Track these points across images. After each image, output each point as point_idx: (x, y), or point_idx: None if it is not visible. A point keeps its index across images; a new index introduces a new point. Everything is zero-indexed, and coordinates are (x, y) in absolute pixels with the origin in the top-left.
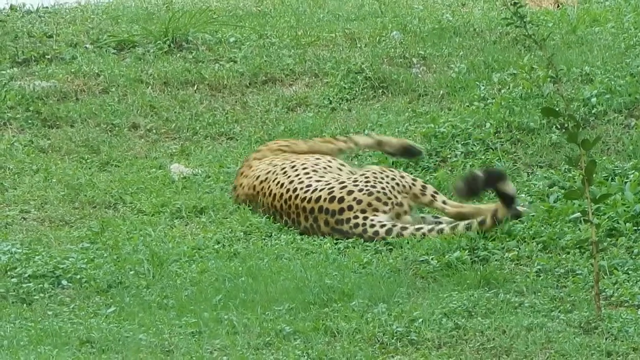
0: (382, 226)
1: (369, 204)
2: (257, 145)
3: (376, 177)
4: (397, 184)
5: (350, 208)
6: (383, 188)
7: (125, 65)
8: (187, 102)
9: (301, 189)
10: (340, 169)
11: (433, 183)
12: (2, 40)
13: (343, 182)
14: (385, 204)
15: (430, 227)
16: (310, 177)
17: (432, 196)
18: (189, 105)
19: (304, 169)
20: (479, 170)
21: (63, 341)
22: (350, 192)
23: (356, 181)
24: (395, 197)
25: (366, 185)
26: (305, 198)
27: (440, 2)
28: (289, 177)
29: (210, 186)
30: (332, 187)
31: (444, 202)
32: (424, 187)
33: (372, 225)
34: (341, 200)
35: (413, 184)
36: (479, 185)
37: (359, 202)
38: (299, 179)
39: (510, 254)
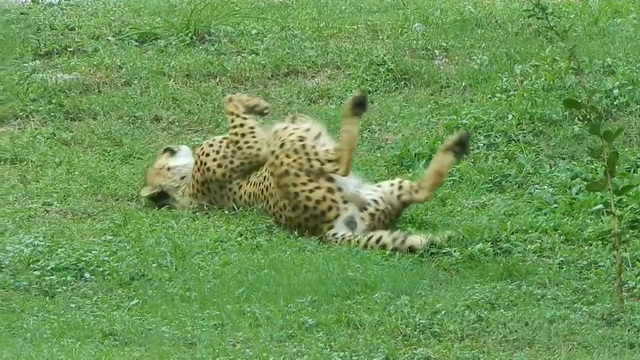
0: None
1: None
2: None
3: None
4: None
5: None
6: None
7: (148, 57)
8: (210, 95)
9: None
10: None
11: (455, 175)
12: (24, 33)
13: None
14: None
15: None
16: None
17: None
18: (211, 98)
19: None
20: None
21: (86, 334)
22: None
23: None
24: None
25: None
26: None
27: None
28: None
29: None
30: None
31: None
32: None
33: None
34: None
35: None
36: None
37: None
38: None
39: (532, 245)
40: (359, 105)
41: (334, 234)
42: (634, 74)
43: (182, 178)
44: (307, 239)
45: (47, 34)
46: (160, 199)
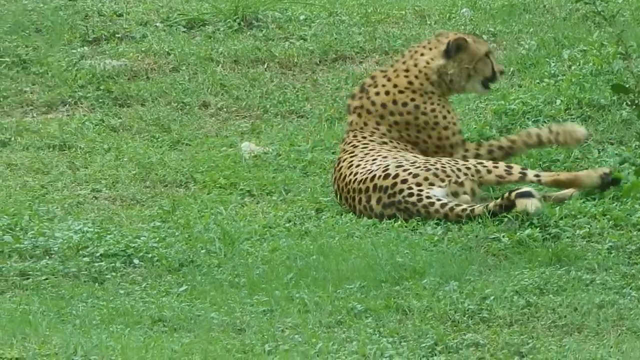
0: (438, 200)
1: (425, 178)
2: (329, 124)
3: (440, 160)
4: (464, 167)
5: (404, 181)
6: (443, 165)
7: (195, 43)
8: (257, 81)
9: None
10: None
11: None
12: (72, 19)
13: (400, 162)
14: (442, 180)
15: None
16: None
17: (521, 173)
18: (259, 84)
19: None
20: None
21: (135, 320)
22: (405, 169)
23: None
24: (457, 176)
25: (424, 163)
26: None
27: None
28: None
29: (280, 164)
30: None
31: (536, 176)
32: (509, 167)
33: (428, 197)
34: (395, 176)
35: (494, 167)
36: None
37: (415, 175)
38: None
39: (581, 231)
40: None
41: None
42: None
43: None
44: (355, 225)
45: (95, 20)
46: None
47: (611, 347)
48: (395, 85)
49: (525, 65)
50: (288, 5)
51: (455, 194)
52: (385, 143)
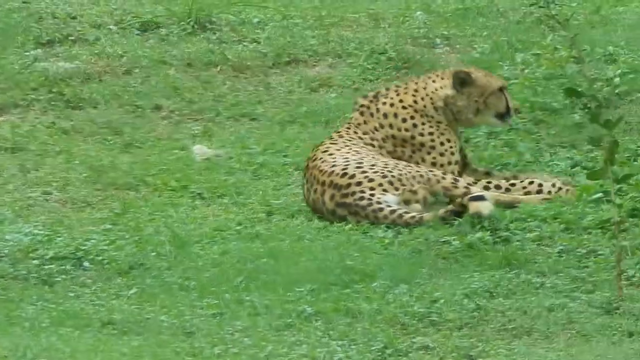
0: (388, 206)
1: (380, 184)
2: (281, 127)
3: (398, 165)
4: (418, 174)
5: (359, 184)
6: (400, 173)
7: (149, 46)
8: (210, 83)
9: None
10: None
11: None
12: (26, 21)
13: (360, 163)
14: (397, 188)
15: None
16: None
17: (466, 188)
18: (212, 86)
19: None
20: None
21: (84, 323)
22: (363, 172)
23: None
24: (412, 184)
25: (383, 168)
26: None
27: None
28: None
29: (232, 167)
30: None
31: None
32: (456, 179)
33: (378, 203)
34: (352, 176)
35: (442, 178)
36: None
37: (370, 180)
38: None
39: (532, 234)
40: None
41: None
42: (636, 62)
43: None
44: (306, 228)
45: (49, 23)
46: None
47: (560, 350)
48: (401, 101)
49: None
50: (242, 8)
51: (407, 202)
52: (373, 146)
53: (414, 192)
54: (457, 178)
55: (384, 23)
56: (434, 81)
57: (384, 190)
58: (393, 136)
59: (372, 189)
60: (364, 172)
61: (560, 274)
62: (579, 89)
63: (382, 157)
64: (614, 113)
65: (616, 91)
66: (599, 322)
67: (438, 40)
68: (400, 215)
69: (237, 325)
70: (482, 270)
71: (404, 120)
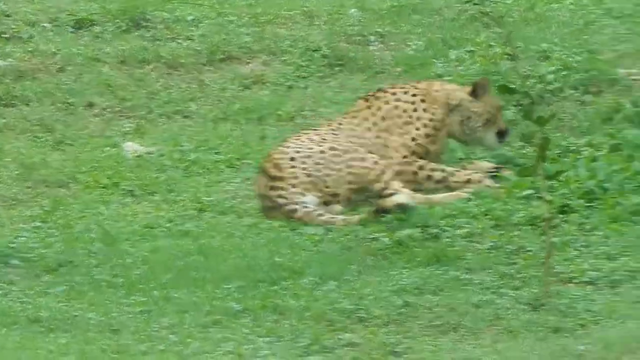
0: (305, 207)
1: (302, 182)
2: (214, 124)
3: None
4: (347, 173)
5: (283, 179)
6: (327, 174)
7: (83, 44)
8: (144, 81)
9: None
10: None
11: None
12: None
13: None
14: (320, 190)
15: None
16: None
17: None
18: (145, 84)
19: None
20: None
21: (11, 320)
22: (293, 167)
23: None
24: (335, 186)
25: (314, 166)
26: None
27: None
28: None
29: (163, 164)
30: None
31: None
32: (387, 183)
33: (295, 203)
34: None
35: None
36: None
37: (295, 177)
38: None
39: (461, 231)
40: None
41: None
42: (569, 59)
43: None
44: (237, 225)
45: None
46: None
47: (487, 346)
48: (415, 87)
49: (412, 66)
50: (176, 6)
51: (327, 203)
52: (369, 129)
53: (335, 195)
54: (389, 183)
55: (319, 20)
56: (454, 88)
57: (305, 189)
58: (395, 107)
59: (294, 186)
60: (293, 167)
61: (489, 271)
62: (513, 86)
63: (339, 150)
64: (546, 110)
65: (549, 88)
66: (525, 319)
67: (372, 38)
68: (315, 217)
69: (164, 322)
70: (411, 267)
71: (412, 97)
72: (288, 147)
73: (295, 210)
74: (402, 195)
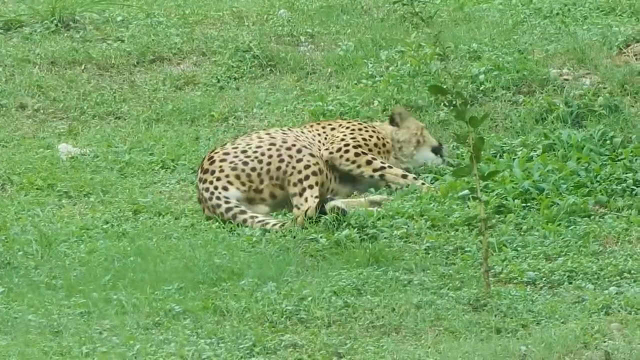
0: (227, 202)
1: (227, 175)
2: (146, 125)
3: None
4: (277, 170)
5: (212, 172)
6: (253, 168)
7: (12, 45)
8: (75, 82)
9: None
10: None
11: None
12: None
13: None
14: (243, 184)
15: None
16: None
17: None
18: (77, 85)
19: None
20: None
21: None
22: (222, 160)
23: (245, 151)
24: (260, 181)
25: (241, 160)
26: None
27: None
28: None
29: (98, 166)
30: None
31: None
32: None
33: (218, 198)
34: (212, 163)
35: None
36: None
37: (222, 170)
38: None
39: (399, 231)
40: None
41: None
42: (500, 59)
43: None
44: (174, 226)
45: None
46: None
47: (429, 347)
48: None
49: (342, 67)
50: (105, 7)
51: (251, 200)
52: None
53: (260, 191)
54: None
55: (248, 21)
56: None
57: (229, 182)
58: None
59: (218, 179)
60: (223, 160)
61: (428, 271)
62: (444, 86)
63: (277, 146)
64: (479, 110)
65: (481, 88)
66: (466, 319)
67: (302, 38)
68: (235, 216)
69: (105, 324)
70: (349, 268)
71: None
72: (234, 144)
73: (218, 206)
74: (337, 202)
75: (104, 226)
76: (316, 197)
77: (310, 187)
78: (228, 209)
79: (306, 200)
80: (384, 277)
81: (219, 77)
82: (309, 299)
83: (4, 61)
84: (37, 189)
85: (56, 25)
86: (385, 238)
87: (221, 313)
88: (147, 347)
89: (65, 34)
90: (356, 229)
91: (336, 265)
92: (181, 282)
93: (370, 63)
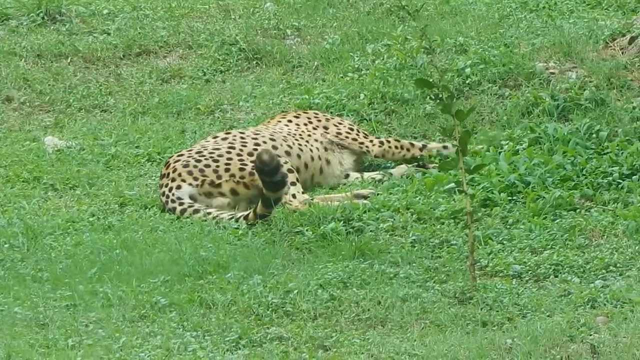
0: (181, 204)
1: (180, 174)
2: (133, 118)
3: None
4: (235, 166)
5: (170, 166)
6: (207, 165)
7: None
8: (61, 75)
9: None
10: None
11: None
12: None
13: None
14: (196, 179)
15: (230, 214)
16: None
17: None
18: (63, 78)
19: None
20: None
21: None
22: (179, 157)
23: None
24: (217, 177)
25: (195, 158)
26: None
27: None
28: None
29: (84, 158)
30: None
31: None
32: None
33: (173, 200)
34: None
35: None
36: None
37: (174, 170)
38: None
39: (385, 224)
40: None
41: None
42: (486, 52)
43: None
44: (159, 219)
45: None
46: None
47: (415, 340)
48: None
49: (329, 60)
50: (92, 0)
51: (209, 195)
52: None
53: (218, 185)
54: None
55: (234, 14)
56: None
57: (182, 180)
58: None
59: (173, 180)
60: (177, 161)
61: (414, 264)
62: (430, 80)
63: (238, 143)
64: (465, 104)
65: (467, 82)
66: (452, 312)
67: (289, 32)
68: (190, 213)
69: (91, 316)
70: (335, 261)
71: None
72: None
73: (174, 209)
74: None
75: (90, 219)
76: (303, 192)
77: (293, 184)
78: (182, 211)
79: (294, 196)
80: (369, 270)
81: (205, 70)
82: (295, 291)
83: None
84: (23, 181)
85: (42, 18)
86: (371, 231)
87: (207, 306)
88: (133, 339)
89: (52, 27)
90: (342, 222)
91: (322, 258)
92: (167, 274)
93: (357, 56)
